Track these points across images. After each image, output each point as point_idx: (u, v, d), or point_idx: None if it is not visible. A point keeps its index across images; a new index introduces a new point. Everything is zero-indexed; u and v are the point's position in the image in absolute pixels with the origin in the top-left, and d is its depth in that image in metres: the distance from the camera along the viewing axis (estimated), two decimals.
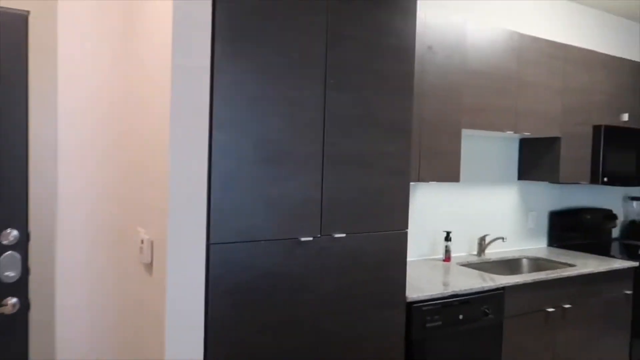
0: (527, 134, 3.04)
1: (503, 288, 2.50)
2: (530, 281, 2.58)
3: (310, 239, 1.90)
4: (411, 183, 2.72)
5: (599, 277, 2.95)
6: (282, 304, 1.85)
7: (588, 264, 2.99)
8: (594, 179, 3.38)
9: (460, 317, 2.34)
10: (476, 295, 2.39)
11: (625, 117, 3.53)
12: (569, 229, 3.68)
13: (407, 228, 2.17)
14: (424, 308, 2.22)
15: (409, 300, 2.18)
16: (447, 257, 2.97)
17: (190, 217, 1.66)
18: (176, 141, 1.63)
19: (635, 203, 4.18)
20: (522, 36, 2.96)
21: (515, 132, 2.96)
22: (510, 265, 3.22)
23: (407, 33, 2.13)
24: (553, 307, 2.72)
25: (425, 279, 2.51)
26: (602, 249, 3.58)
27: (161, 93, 1.70)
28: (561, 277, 2.71)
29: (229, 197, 1.73)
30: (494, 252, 3.34)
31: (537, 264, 3.22)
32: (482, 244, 3.18)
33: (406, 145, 2.15)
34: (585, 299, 2.89)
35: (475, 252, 3.28)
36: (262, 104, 1.78)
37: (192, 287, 1.67)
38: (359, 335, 2.05)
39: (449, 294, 2.29)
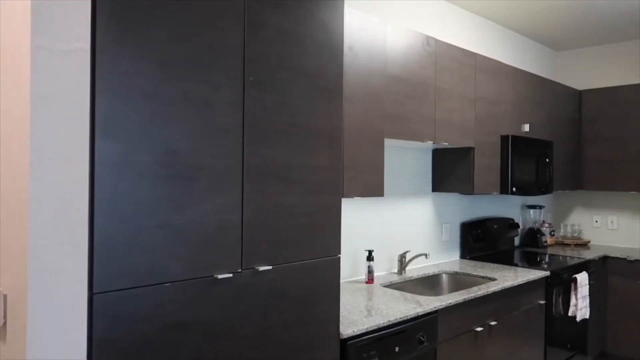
0: (445, 144, 2.92)
1: (436, 311, 2.30)
2: (461, 301, 2.42)
3: (229, 275, 1.50)
4: None
5: (519, 290, 2.90)
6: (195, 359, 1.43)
7: (507, 277, 2.92)
8: (504, 189, 3.38)
9: (397, 349, 2.08)
10: (412, 323, 2.15)
11: (527, 127, 3.60)
12: (479, 239, 3.66)
13: (339, 253, 1.86)
14: (360, 344, 1.92)
15: (343, 337, 1.87)
16: (370, 279, 2.72)
17: (61, 259, 1.18)
18: (39, 152, 1.15)
19: (532, 211, 4.33)
20: (438, 42, 2.84)
21: (434, 142, 2.82)
22: (432, 282, 3.07)
23: (336, 29, 1.84)
24: (481, 326, 2.59)
25: (355, 307, 2.22)
26: (507, 258, 3.60)
27: (18, 87, 1.21)
28: (487, 293, 2.59)
29: (120, 228, 1.28)
30: (413, 268, 3.17)
31: (457, 278, 3.10)
32: (402, 261, 2.98)
33: (337, 158, 1.85)
34: (508, 313, 2.81)
35: (395, 270, 3.08)
36: (164, 104, 1.37)
37: (66, 356, 1.19)
38: None
39: (385, 324, 2.02)
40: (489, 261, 3.46)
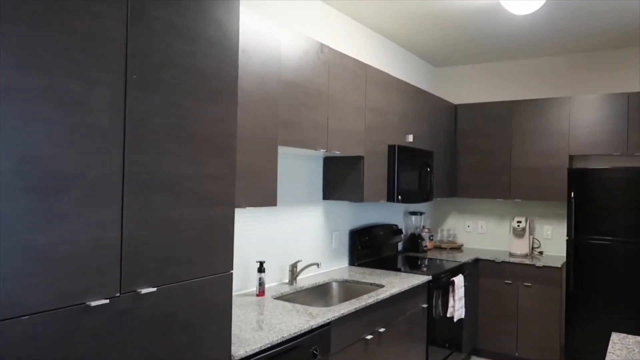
0: (337, 153, 2.92)
1: (329, 323, 2.26)
2: (353, 310, 2.41)
3: (105, 301, 1.31)
4: None
5: (405, 295, 2.99)
6: None
7: (394, 283, 3.00)
8: (390, 197, 3.48)
9: None
10: (305, 337, 2.09)
11: (410, 138, 3.77)
12: (366, 246, 3.74)
13: (231, 269, 1.73)
14: None
15: (234, 359, 1.74)
16: (261, 291, 2.62)
17: None
18: None
19: (414, 217, 4.55)
20: (332, 50, 2.84)
21: (327, 151, 2.80)
22: (323, 291, 3.05)
23: (231, 28, 1.72)
24: (371, 334, 2.61)
25: (247, 323, 2.09)
26: (392, 264, 3.73)
27: None
28: (377, 300, 2.62)
29: None
30: (304, 277, 3.13)
31: (347, 286, 3.12)
32: (294, 271, 2.92)
33: (230, 166, 1.72)
34: (395, 318, 2.88)
35: (286, 280, 3.01)
36: (21, 101, 1.14)
37: None
38: None
39: (278, 340, 1.92)
40: (376, 267, 3.54)
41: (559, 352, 3.95)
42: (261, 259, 2.80)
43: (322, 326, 2.21)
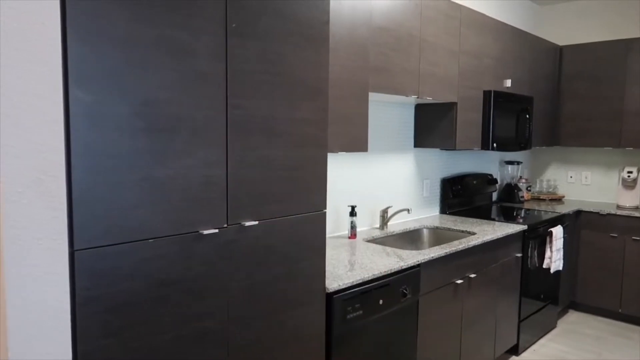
0: (429, 99, 2.88)
1: (419, 265, 2.32)
2: (443, 255, 2.44)
3: (215, 231, 1.47)
4: None
5: (497, 243, 2.95)
6: (181, 318, 1.40)
7: (486, 231, 2.97)
8: (485, 145, 3.38)
9: (381, 302, 2.10)
10: (395, 276, 2.17)
11: (508, 82, 3.58)
12: (458, 194, 3.69)
13: (325, 208, 1.83)
14: (345, 298, 1.93)
15: (329, 291, 1.87)
16: (353, 234, 2.73)
17: (39, 214, 1.12)
18: (6, 100, 1.07)
19: (510, 167, 4.38)
20: None
21: (418, 97, 2.77)
22: (413, 237, 3.10)
23: None
24: (461, 279, 2.64)
25: (339, 262, 2.22)
26: (486, 213, 3.66)
27: None
28: (468, 247, 2.63)
29: (99, 182, 1.22)
30: (394, 223, 3.19)
31: (437, 233, 3.14)
32: (384, 217, 2.99)
33: (323, 110, 1.79)
34: (487, 266, 2.87)
35: (377, 226, 3.09)
36: (139, 50, 1.28)
37: (49, 317, 1.15)
38: (277, 340, 1.69)
39: (369, 277, 2.02)
40: (468, 216, 3.51)
41: None
42: (352, 204, 2.90)
43: (412, 267, 2.27)
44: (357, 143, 2.39)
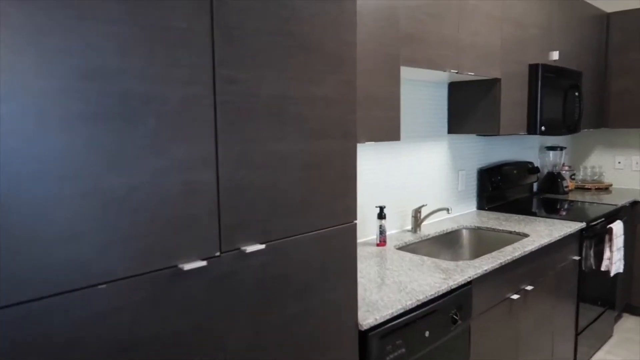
0: (470, 74, 2.38)
1: (470, 282, 1.85)
2: (497, 266, 1.97)
3: (202, 263, 1.00)
4: None
5: (554, 246, 2.47)
6: None
7: (540, 232, 2.48)
8: (531, 129, 2.88)
9: (427, 333, 1.63)
10: (443, 299, 1.70)
11: (555, 55, 3.07)
12: (497, 187, 3.20)
13: (356, 218, 1.37)
14: (383, 334, 1.47)
15: (362, 328, 1.41)
16: (382, 240, 2.26)
17: None
18: None
19: (552, 153, 3.87)
20: None
21: (458, 72, 2.28)
22: (451, 240, 2.62)
23: None
24: (516, 293, 2.16)
25: (371, 281, 1.75)
26: (528, 207, 3.17)
27: None
28: (524, 253, 2.14)
29: (13, 201, 0.76)
30: (427, 223, 2.72)
31: (480, 234, 2.66)
32: (417, 217, 2.52)
33: (349, 85, 1.32)
34: (543, 274, 2.39)
35: (409, 227, 2.62)
36: None
37: None
38: None
39: (413, 304, 1.56)
40: (510, 212, 3.02)
41: None
42: (380, 204, 2.43)
43: (462, 286, 1.80)
44: (388, 130, 1.91)
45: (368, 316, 1.43)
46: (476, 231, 2.67)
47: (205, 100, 0.99)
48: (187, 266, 0.97)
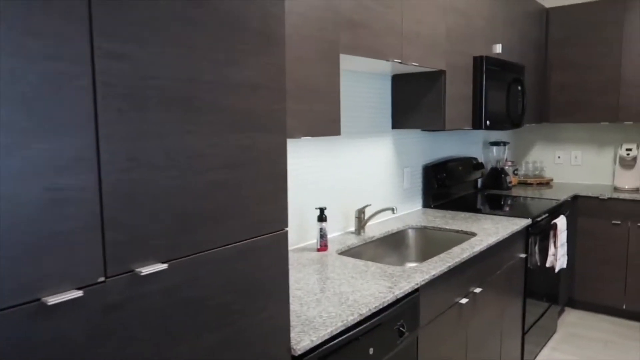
0: (414, 65, 2.23)
1: (417, 290, 1.70)
2: (446, 269, 1.83)
3: (78, 294, 0.77)
4: None
5: (502, 245, 2.38)
6: None
7: (487, 230, 2.39)
8: (476, 123, 2.79)
9: (371, 351, 1.46)
10: (388, 311, 1.54)
11: (499, 48, 3.00)
12: (442, 184, 3.10)
13: (287, 225, 1.17)
14: (321, 357, 1.28)
15: (297, 353, 1.21)
16: (323, 244, 2.07)
17: None
18: None
19: (495, 149, 3.83)
20: None
21: (402, 62, 2.13)
22: (397, 242, 2.48)
23: None
24: (465, 297, 2.04)
25: (309, 292, 1.56)
26: (473, 204, 3.10)
27: None
28: (473, 254, 2.03)
29: None
30: (372, 224, 2.57)
31: (427, 234, 2.54)
32: (361, 218, 2.35)
33: (278, 68, 1.12)
34: (491, 275, 2.29)
35: (352, 229, 2.45)
36: None
37: None
38: None
39: (354, 320, 1.38)
40: (456, 209, 2.93)
41: None
42: (320, 205, 2.24)
43: (410, 293, 1.65)
44: (326, 124, 1.72)
45: (303, 337, 1.23)
46: (423, 231, 2.54)
47: (79, 81, 0.76)
48: (54, 299, 0.73)
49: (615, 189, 3.63)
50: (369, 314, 1.43)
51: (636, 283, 3.39)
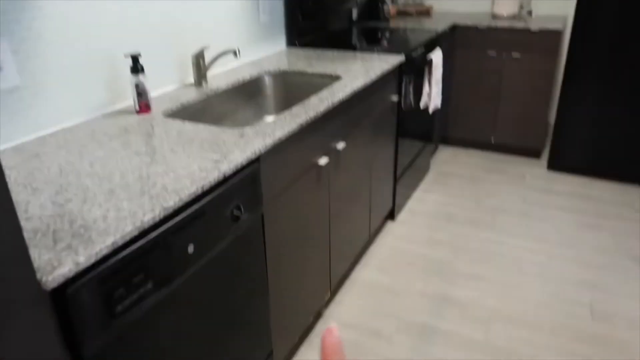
0: None
1: (257, 159, 1.33)
2: (297, 128, 1.46)
3: None
4: None
5: (371, 88, 2.05)
6: None
7: (354, 71, 2.02)
8: None
9: (191, 249, 1.11)
10: (214, 194, 1.17)
11: None
12: (309, 17, 2.61)
13: None
14: (103, 279, 0.90)
15: (49, 287, 0.81)
16: (143, 104, 1.58)
17: None
18: None
19: None
20: None
21: None
22: (251, 93, 2.04)
23: None
24: (325, 154, 1.73)
25: (103, 180, 1.12)
26: (346, 40, 2.70)
27: None
28: (333, 105, 1.67)
29: None
30: (219, 72, 2.08)
31: (287, 81, 2.12)
32: (200, 66, 1.85)
33: None
34: (357, 125, 1.99)
35: (192, 81, 1.95)
36: None
37: None
38: None
39: (152, 219, 0.99)
40: (325, 47, 2.50)
41: (543, 135, 3.32)
42: (135, 50, 1.68)
43: (246, 166, 1.28)
44: None
45: (65, 259, 0.83)
46: (282, 76, 2.12)
47: None
48: None
49: (494, 16, 3.39)
50: (180, 204, 1.05)
51: (505, 116, 3.37)
